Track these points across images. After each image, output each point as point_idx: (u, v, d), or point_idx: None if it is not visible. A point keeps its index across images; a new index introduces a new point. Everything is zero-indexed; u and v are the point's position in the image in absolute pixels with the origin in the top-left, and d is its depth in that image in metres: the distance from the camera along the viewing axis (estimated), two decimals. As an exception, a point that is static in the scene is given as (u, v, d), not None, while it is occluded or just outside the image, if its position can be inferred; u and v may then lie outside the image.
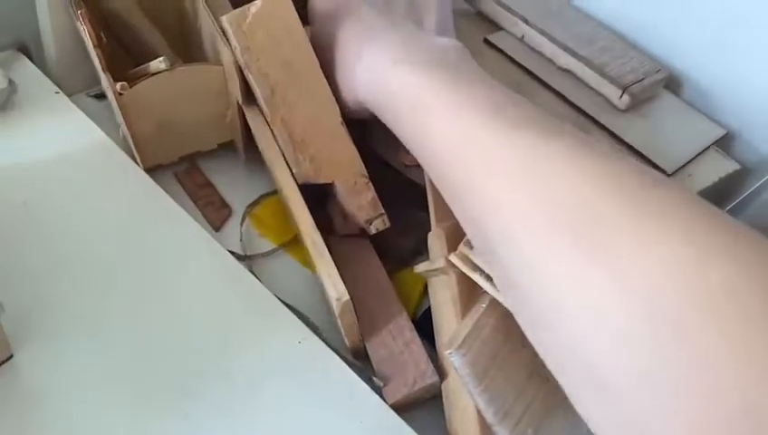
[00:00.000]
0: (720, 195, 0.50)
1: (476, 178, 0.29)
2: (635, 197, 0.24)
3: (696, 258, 0.21)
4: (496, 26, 0.54)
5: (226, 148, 0.50)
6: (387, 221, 0.44)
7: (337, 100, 0.42)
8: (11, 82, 0.47)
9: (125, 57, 0.49)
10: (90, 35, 0.40)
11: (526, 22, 0.51)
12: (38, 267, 0.40)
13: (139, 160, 0.46)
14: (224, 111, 0.47)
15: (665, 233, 0.22)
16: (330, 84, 0.42)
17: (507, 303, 0.32)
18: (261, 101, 0.42)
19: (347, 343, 0.41)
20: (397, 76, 0.35)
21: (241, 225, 0.47)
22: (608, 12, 0.54)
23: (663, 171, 0.47)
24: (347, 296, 0.38)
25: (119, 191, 0.45)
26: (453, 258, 0.38)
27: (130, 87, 0.42)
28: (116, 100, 0.42)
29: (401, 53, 0.36)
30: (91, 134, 0.47)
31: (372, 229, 0.44)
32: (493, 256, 0.30)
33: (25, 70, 0.50)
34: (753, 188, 0.48)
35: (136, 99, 0.43)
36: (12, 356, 0.36)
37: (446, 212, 0.42)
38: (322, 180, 0.43)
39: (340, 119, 0.42)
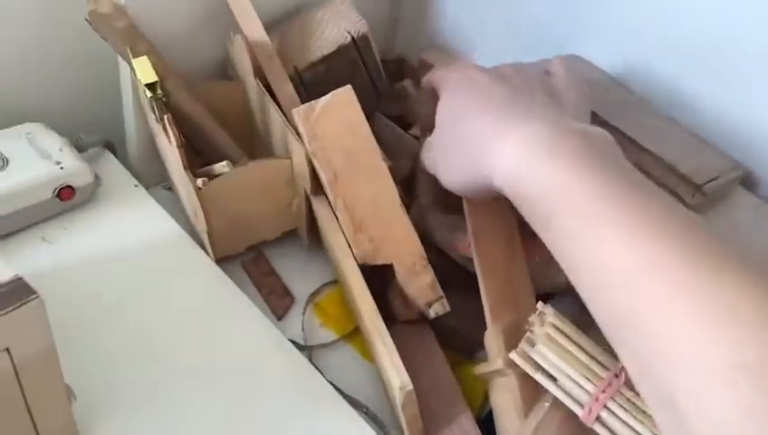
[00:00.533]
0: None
1: (658, 317, 0.25)
2: None
3: None
4: None
5: (291, 236, 0.52)
6: (446, 305, 0.44)
7: (450, 175, 0.40)
8: (96, 176, 0.50)
9: (194, 156, 0.52)
10: (175, 136, 0.43)
11: (594, 114, 0.50)
12: (109, 356, 0.41)
13: (210, 253, 0.48)
14: (289, 201, 0.49)
15: None
16: (447, 159, 0.40)
17: None
18: (325, 185, 0.44)
19: (409, 439, 0.40)
20: (556, 173, 0.31)
21: (303, 314, 0.48)
22: (681, 106, 0.54)
23: None
24: (410, 386, 0.37)
25: (189, 281, 0.47)
26: (513, 356, 0.37)
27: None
28: (195, 194, 0.44)
29: (556, 143, 0.32)
30: (166, 225, 0.50)
31: (432, 313, 0.44)
32: (661, 403, 0.26)
33: (109, 165, 0.54)
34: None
35: (213, 194, 0.45)
36: (80, 444, 0.37)
37: (502, 310, 0.41)
38: (381, 261, 0.44)
39: (399, 201, 0.44)
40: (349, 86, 0.42)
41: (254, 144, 0.54)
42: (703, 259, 0.25)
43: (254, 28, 0.50)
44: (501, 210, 0.44)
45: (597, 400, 0.35)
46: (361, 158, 0.43)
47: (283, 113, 0.47)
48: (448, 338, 0.46)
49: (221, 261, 0.49)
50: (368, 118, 0.52)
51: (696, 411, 0.24)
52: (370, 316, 0.41)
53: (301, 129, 0.43)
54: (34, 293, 0.28)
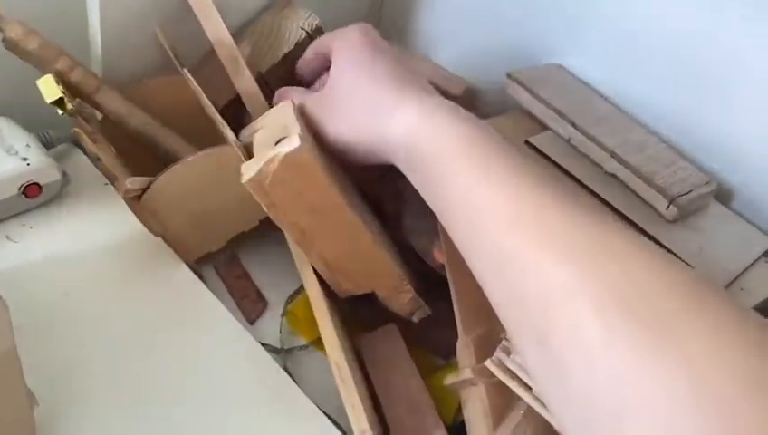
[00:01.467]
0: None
1: (530, 254, 0.28)
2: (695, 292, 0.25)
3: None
4: (541, 125, 0.54)
5: (268, 237, 0.51)
6: (427, 310, 0.44)
7: (341, 127, 0.41)
8: (65, 173, 0.49)
9: (152, 161, 0.50)
10: (92, 152, 0.42)
11: (574, 125, 0.50)
12: (74, 360, 0.40)
13: (179, 255, 0.47)
14: None
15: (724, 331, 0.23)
16: (342, 112, 0.41)
17: (551, 403, 0.30)
18: (294, 243, 0.42)
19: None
20: (457, 134, 0.35)
21: (282, 316, 0.47)
22: (655, 118, 0.54)
23: None
24: (369, 432, 0.36)
25: (159, 283, 0.46)
26: (489, 364, 0.37)
27: (140, 193, 0.43)
28: (131, 206, 0.43)
29: (457, 111, 0.37)
30: (136, 225, 0.48)
31: (415, 319, 0.44)
32: (538, 348, 0.28)
33: (78, 162, 0.53)
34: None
35: (155, 199, 0.44)
36: (41, 451, 0.35)
37: (473, 322, 0.41)
38: (362, 292, 0.44)
39: (372, 242, 0.41)
40: (297, 144, 0.36)
41: (217, 138, 0.53)
42: (576, 209, 0.29)
43: (216, 28, 0.48)
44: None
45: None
46: (326, 212, 0.39)
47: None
48: (425, 339, 0.46)
49: (196, 261, 0.48)
50: None
51: (569, 344, 0.26)
52: (333, 355, 0.40)
53: (257, 198, 0.39)
54: (-4, 295, 0.27)
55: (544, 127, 0.53)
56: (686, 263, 0.46)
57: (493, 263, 0.31)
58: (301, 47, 0.52)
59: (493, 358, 0.37)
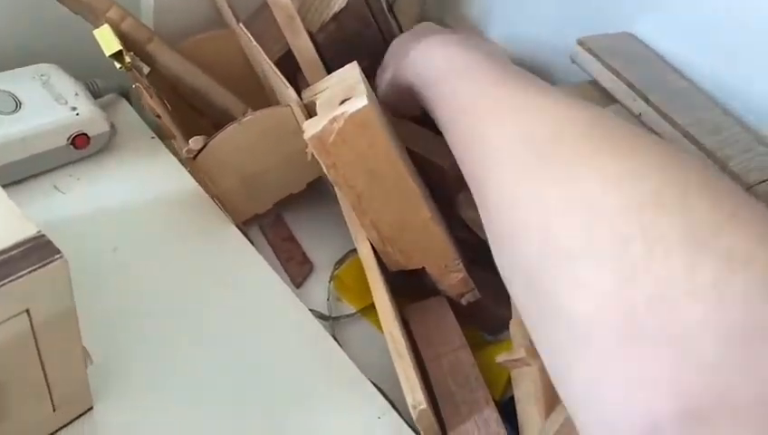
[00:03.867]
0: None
1: (477, 124, 0.32)
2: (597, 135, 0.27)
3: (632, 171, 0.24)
4: (611, 98, 0.50)
5: (315, 201, 0.50)
6: (477, 294, 0.43)
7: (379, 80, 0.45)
8: (112, 125, 0.48)
9: (199, 118, 0.49)
10: (152, 106, 0.41)
11: (647, 101, 0.47)
12: (122, 317, 0.39)
13: (229, 217, 0.46)
14: (302, 150, 0.43)
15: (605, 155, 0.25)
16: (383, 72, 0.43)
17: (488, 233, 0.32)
18: (350, 207, 0.41)
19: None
20: (466, 56, 0.38)
21: (330, 281, 0.46)
22: (731, 98, 0.51)
23: None
24: (424, 405, 0.35)
25: (206, 241, 0.45)
26: None
27: (197, 153, 0.42)
28: (190, 165, 0.42)
29: (455, 40, 0.41)
30: (183, 180, 0.48)
31: (464, 301, 0.43)
32: (480, 192, 0.32)
33: (125, 114, 0.52)
34: None
35: (209, 160, 0.43)
36: (92, 408, 0.35)
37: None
38: (412, 267, 0.42)
39: (429, 214, 0.40)
40: (365, 104, 0.35)
41: (262, 95, 0.51)
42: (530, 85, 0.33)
43: None
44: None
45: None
46: (385, 177, 0.38)
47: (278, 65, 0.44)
48: (473, 314, 0.45)
49: (243, 223, 0.47)
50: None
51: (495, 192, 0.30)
52: (389, 327, 0.39)
53: (317, 157, 0.38)
54: (58, 252, 0.26)
55: (614, 101, 0.50)
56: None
57: (459, 127, 0.35)
58: (351, 7, 0.50)
59: None
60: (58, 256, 0.26)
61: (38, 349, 0.28)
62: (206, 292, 0.42)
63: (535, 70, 0.61)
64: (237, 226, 0.46)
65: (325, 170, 0.38)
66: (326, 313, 0.45)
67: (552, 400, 0.37)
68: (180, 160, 0.47)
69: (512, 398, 0.41)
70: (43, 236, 0.26)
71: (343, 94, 0.38)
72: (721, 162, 0.45)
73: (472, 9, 0.68)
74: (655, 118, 0.47)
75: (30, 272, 0.25)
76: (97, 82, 0.50)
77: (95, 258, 0.42)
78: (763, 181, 0.44)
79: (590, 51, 0.50)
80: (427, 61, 0.40)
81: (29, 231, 0.26)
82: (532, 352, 0.37)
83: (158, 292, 0.41)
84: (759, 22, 0.48)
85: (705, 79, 0.52)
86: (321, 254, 0.48)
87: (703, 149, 0.45)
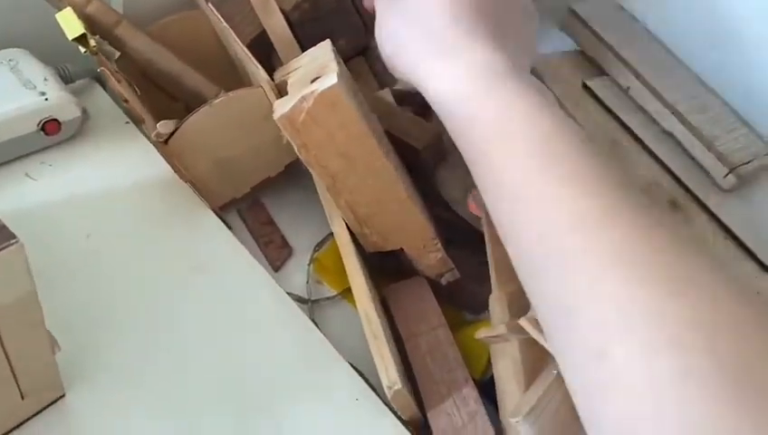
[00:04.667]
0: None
1: (588, 264, 0.26)
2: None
3: None
4: (600, 70, 0.50)
5: (295, 184, 0.49)
6: (456, 274, 0.43)
7: (390, 63, 0.37)
8: (84, 110, 0.47)
9: (171, 102, 0.48)
10: (119, 93, 0.40)
11: (636, 74, 0.47)
12: (96, 304, 0.39)
13: (205, 202, 0.46)
14: (277, 133, 0.41)
15: None
16: (392, 47, 0.36)
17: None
18: (324, 189, 0.40)
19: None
20: (502, 100, 0.31)
21: (309, 264, 0.46)
22: (717, 77, 0.50)
23: (762, 265, 0.43)
24: (399, 385, 0.35)
25: (182, 229, 0.44)
26: (523, 322, 0.36)
27: (168, 137, 0.41)
28: (161, 150, 0.41)
29: (509, 73, 0.32)
30: (158, 166, 0.47)
31: (443, 281, 0.43)
32: (594, 362, 0.25)
33: (98, 99, 0.51)
34: None
35: (181, 143, 0.42)
36: (64, 395, 0.35)
37: (508, 277, 0.39)
38: (390, 248, 0.42)
39: (405, 194, 0.40)
40: (334, 81, 0.34)
41: (236, 77, 0.50)
42: (652, 222, 0.26)
43: None
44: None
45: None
46: (359, 157, 0.38)
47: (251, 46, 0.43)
48: (454, 294, 0.44)
49: (221, 208, 0.47)
50: (359, 54, 0.50)
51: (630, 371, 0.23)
52: (365, 307, 0.39)
53: (288, 138, 0.37)
54: (14, 236, 0.25)
55: (603, 72, 0.49)
56: (737, 237, 0.43)
57: (539, 259, 0.28)
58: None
59: (527, 316, 0.36)
60: (14, 240, 0.25)
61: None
62: (181, 277, 0.41)
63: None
64: (214, 210, 0.46)
65: (297, 151, 0.37)
66: (306, 296, 0.44)
67: (530, 375, 0.37)
68: (155, 145, 0.46)
69: (491, 378, 0.41)
70: (-2, 221, 0.26)
71: (315, 73, 0.37)
72: (707, 141, 0.44)
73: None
74: (642, 92, 0.47)
75: (-17, 258, 0.24)
76: (68, 67, 0.49)
77: (69, 245, 0.41)
78: (748, 163, 0.44)
79: (580, 20, 0.49)
80: (451, 104, 0.32)
81: (-17, 216, 0.26)
82: (513, 327, 0.36)
83: (132, 278, 0.41)
84: (741, 6, 0.47)
85: (693, 56, 0.52)
86: (302, 237, 0.48)
87: (689, 127, 0.45)
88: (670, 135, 0.46)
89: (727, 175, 0.44)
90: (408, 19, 0.35)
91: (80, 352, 0.36)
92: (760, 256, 0.43)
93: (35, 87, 0.44)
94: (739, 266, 0.42)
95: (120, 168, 0.46)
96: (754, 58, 0.48)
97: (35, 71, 0.46)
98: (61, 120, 0.45)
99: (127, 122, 0.50)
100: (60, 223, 0.42)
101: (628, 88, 0.48)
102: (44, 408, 0.34)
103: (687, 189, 0.44)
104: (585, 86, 0.47)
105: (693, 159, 0.45)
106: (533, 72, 0.43)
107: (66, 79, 0.48)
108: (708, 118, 0.46)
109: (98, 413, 0.35)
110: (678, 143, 0.46)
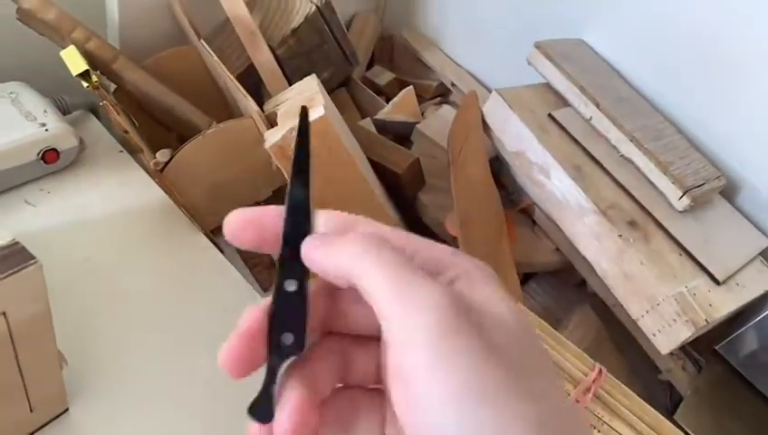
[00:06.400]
0: (763, 306, 0.49)
1: None
2: None
3: None
4: (563, 101, 0.53)
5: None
6: None
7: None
8: (81, 140, 0.49)
9: (165, 133, 0.51)
10: (118, 122, 0.43)
11: (597, 105, 0.50)
12: (96, 324, 0.41)
13: (197, 226, 0.48)
14: (267, 160, 0.45)
15: None
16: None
17: None
18: None
19: None
20: None
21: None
22: (673, 107, 0.54)
23: (714, 278, 0.46)
24: None
25: (176, 251, 0.47)
26: None
27: (164, 166, 0.44)
28: (157, 178, 0.44)
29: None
30: (152, 192, 0.49)
31: None
32: None
33: (93, 129, 0.53)
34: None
35: (176, 171, 0.44)
36: (67, 410, 0.37)
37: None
38: None
39: (390, 215, 0.43)
40: (322, 114, 0.38)
41: (226, 108, 0.53)
42: None
43: (234, 2, 0.49)
44: (488, 197, 0.45)
45: (577, 402, 0.36)
46: (344, 183, 0.41)
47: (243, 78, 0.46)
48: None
49: (212, 231, 0.49)
50: (341, 85, 0.53)
51: None
52: None
53: (278, 164, 0.40)
54: (33, 257, 0.28)
55: (566, 103, 0.53)
56: (691, 253, 0.47)
57: None
58: (310, 21, 0.52)
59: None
60: (33, 261, 0.28)
61: (15, 350, 0.30)
62: (175, 297, 0.44)
63: (494, 73, 0.63)
64: (206, 234, 0.48)
65: (287, 177, 0.40)
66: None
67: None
68: (148, 173, 0.49)
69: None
70: (18, 243, 0.28)
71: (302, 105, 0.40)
72: (663, 166, 0.48)
73: (428, 22, 0.71)
74: (602, 121, 0.50)
75: (6, 276, 0.27)
76: (65, 98, 0.51)
77: (68, 268, 0.43)
78: (700, 186, 0.48)
79: (546, 54, 0.53)
80: None
81: (4, 239, 0.28)
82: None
83: (129, 299, 0.43)
84: (695, 39, 0.51)
85: (647, 86, 0.56)
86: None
87: (647, 153, 0.48)
88: (629, 160, 0.50)
89: (681, 197, 0.47)
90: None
91: (82, 369, 0.38)
92: (711, 270, 0.46)
93: (36, 118, 0.47)
94: (693, 280, 0.45)
95: (116, 194, 0.49)
96: (705, 88, 0.52)
97: (35, 103, 0.48)
98: (60, 149, 0.47)
99: (121, 151, 0.52)
100: (59, 247, 0.44)
101: (590, 118, 0.51)
102: (50, 421, 0.36)
103: (645, 210, 0.48)
104: (551, 116, 0.51)
105: (650, 182, 0.49)
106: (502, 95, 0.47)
107: (64, 110, 0.51)
108: (663, 145, 0.50)
109: (99, 426, 0.37)
110: (637, 168, 0.49)
